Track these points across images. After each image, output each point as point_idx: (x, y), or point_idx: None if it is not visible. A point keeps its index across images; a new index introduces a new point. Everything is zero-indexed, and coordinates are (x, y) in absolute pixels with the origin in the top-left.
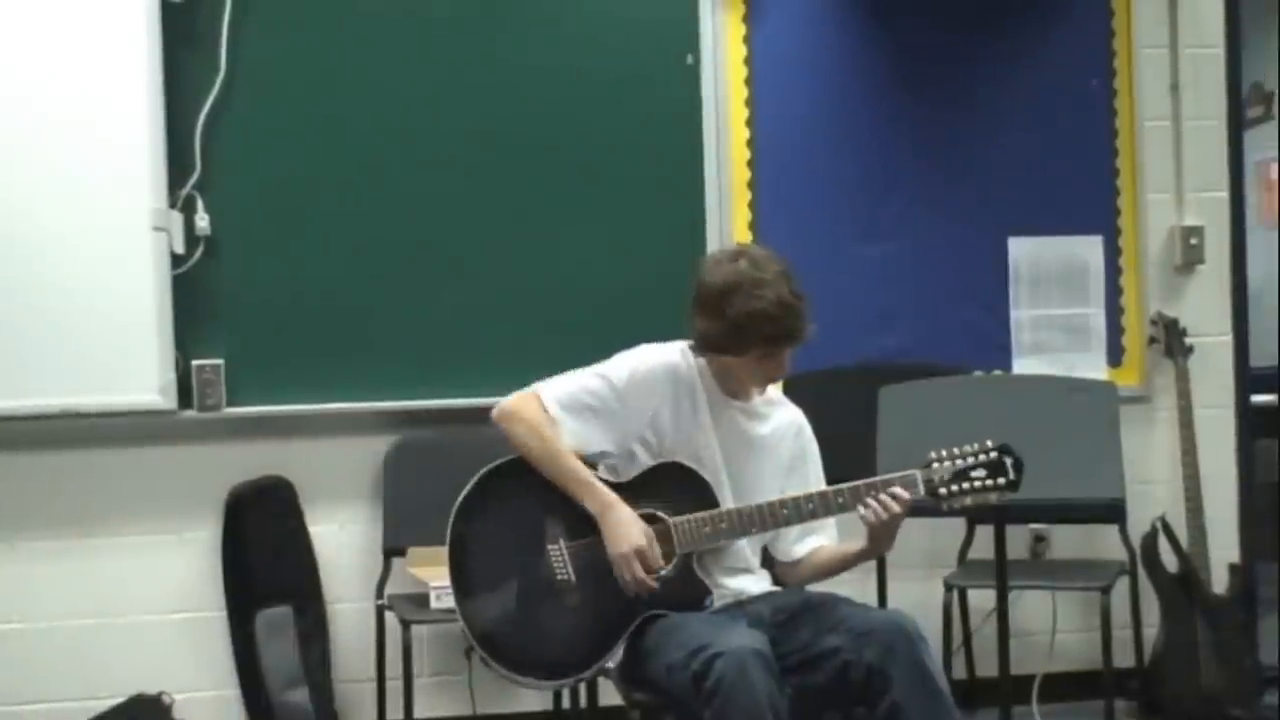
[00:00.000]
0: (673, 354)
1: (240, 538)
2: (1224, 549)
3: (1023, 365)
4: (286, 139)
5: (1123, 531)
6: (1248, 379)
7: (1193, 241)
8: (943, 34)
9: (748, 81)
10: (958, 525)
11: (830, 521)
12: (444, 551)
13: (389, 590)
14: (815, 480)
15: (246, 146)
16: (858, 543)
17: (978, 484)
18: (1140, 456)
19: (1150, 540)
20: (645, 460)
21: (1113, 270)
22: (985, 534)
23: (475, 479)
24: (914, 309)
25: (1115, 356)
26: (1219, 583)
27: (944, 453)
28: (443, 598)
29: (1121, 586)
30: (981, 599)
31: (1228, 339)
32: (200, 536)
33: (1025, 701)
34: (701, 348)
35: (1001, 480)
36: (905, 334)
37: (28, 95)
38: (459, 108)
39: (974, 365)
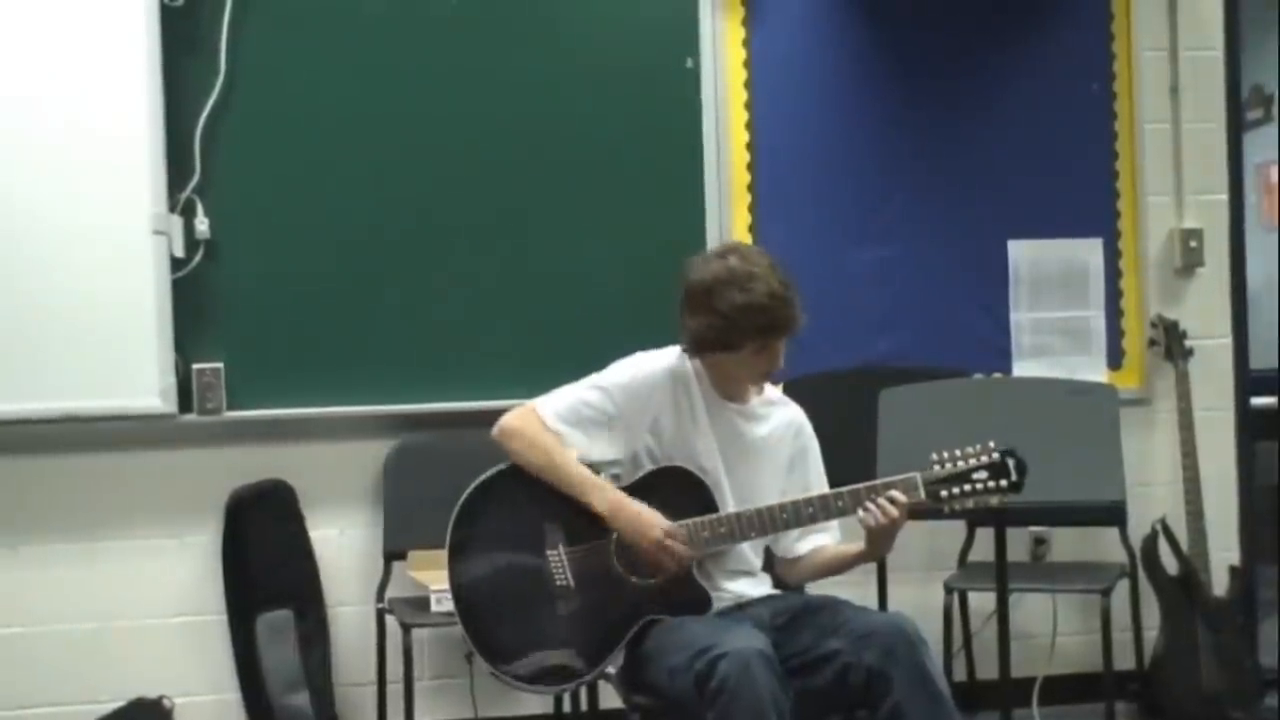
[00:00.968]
0: (668, 360)
1: (241, 541)
2: (1224, 551)
3: (1023, 368)
4: (286, 142)
5: (1123, 534)
6: (1247, 381)
7: (1192, 244)
8: (942, 37)
9: (747, 85)
10: (958, 528)
11: (833, 521)
12: (444, 555)
13: (389, 594)
14: (816, 478)
15: (246, 150)
16: (858, 544)
17: (979, 486)
18: (1140, 459)
19: (1150, 542)
20: (648, 466)
21: (1113, 273)
22: (985, 536)
23: (473, 485)
24: (914, 312)
25: (1115, 359)
26: (1219, 585)
27: (945, 455)
28: (443, 601)
29: (1122, 589)
30: (982, 601)
31: (1227, 341)
32: (201, 540)
33: (1026, 704)
34: (694, 348)
35: (1004, 482)
36: (905, 337)
37: (28, 99)
38: (459, 111)
39: (974, 368)
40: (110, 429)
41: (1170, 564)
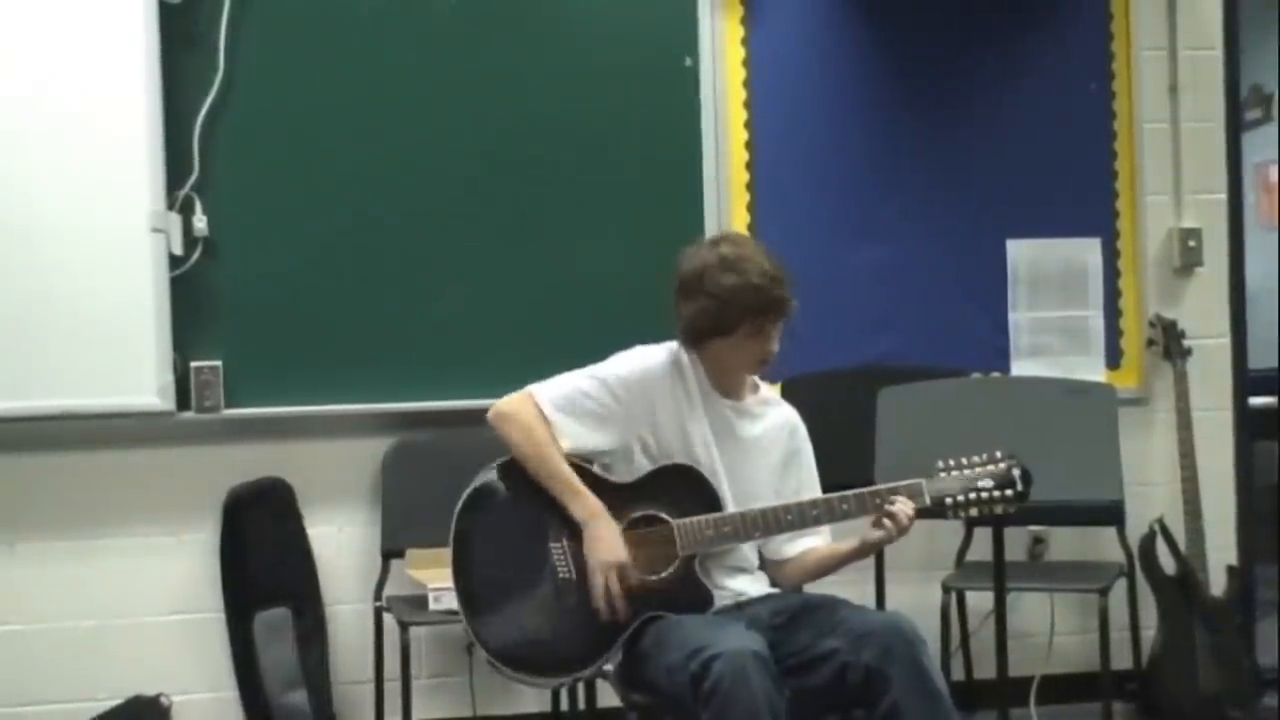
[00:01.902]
0: (666, 354)
1: (239, 539)
2: (1222, 551)
3: (1021, 367)
4: (284, 140)
5: (1121, 533)
6: (1246, 381)
7: (1191, 244)
8: (941, 36)
9: (746, 83)
10: (956, 527)
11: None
12: (442, 553)
13: (387, 592)
14: (808, 479)
15: (245, 148)
16: (849, 542)
17: (984, 494)
18: (1138, 459)
19: (1148, 542)
20: (642, 460)
21: (1111, 272)
22: (983, 536)
23: (479, 476)
24: (912, 311)
25: (1114, 359)
26: (1217, 585)
27: (951, 462)
28: (441, 599)
29: (1119, 588)
30: (980, 601)
31: (1226, 341)
32: (199, 538)
33: (1023, 703)
34: (688, 337)
35: (1009, 491)
36: (903, 336)
37: (26, 97)
38: (457, 109)
39: (972, 367)
40: (108, 427)
41: (1168, 564)
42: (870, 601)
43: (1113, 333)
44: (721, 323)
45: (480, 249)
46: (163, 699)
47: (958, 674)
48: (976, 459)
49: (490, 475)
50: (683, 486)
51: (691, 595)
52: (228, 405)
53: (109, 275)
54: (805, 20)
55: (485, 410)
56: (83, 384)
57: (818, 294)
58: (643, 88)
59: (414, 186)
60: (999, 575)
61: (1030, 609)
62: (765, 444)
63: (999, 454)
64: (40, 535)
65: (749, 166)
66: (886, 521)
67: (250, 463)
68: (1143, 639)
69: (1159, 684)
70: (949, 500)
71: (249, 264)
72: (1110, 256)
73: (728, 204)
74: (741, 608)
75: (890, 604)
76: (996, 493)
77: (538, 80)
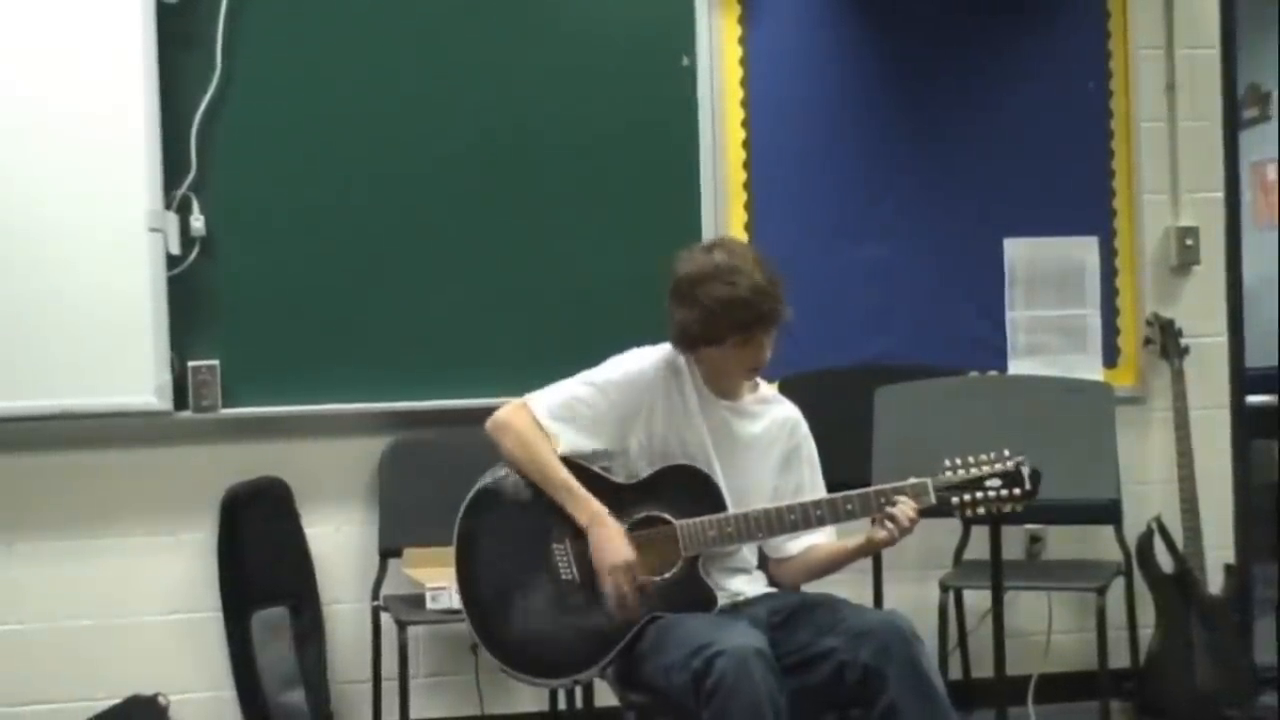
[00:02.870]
0: (661, 355)
1: (236, 539)
2: (1219, 549)
3: (1018, 366)
4: (282, 139)
5: (1118, 532)
6: (1243, 379)
7: (1188, 242)
8: (939, 35)
9: (743, 83)
10: (953, 526)
11: None
12: (440, 552)
13: (385, 591)
14: (810, 479)
15: (242, 147)
16: (853, 540)
17: (992, 494)
18: (1136, 457)
19: (1146, 541)
20: (639, 461)
21: (1108, 271)
22: (981, 535)
23: (484, 478)
24: (910, 310)
25: (1111, 357)
26: (1214, 583)
27: (958, 461)
28: (438, 598)
29: (1117, 587)
30: (977, 600)
31: (1223, 340)
32: (196, 537)
33: (1021, 702)
34: (681, 342)
35: (1017, 491)
36: (901, 335)
37: (23, 96)
38: (455, 108)
39: (970, 366)
40: (106, 426)
41: (1165, 562)
42: (868, 600)
43: (1110, 331)
44: (710, 332)
45: (477, 248)
46: (160, 698)
47: (955, 673)
48: (984, 457)
49: (494, 477)
50: (686, 487)
51: (695, 595)
52: (225, 405)
53: (106, 274)
54: (802, 19)
55: (483, 409)
56: (80, 383)
57: (815, 293)
58: (640, 87)
59: (411, 186)
60: (996, 574)
61: (1028, 608)
62: (765, 443)
63: (1007, 453)
64: (38, 535)
65: (746, 166)
66: (888, 522)
67: (248, 462)
68: (1140, 638)
69: (1156, 683)
70: (955, 500)
71: (246, 263)
72: (1107, 255)
73: (725, 203)
74: (739, 608)
75: (888, 603)
76: (1004, 492)
77: (535, 79)
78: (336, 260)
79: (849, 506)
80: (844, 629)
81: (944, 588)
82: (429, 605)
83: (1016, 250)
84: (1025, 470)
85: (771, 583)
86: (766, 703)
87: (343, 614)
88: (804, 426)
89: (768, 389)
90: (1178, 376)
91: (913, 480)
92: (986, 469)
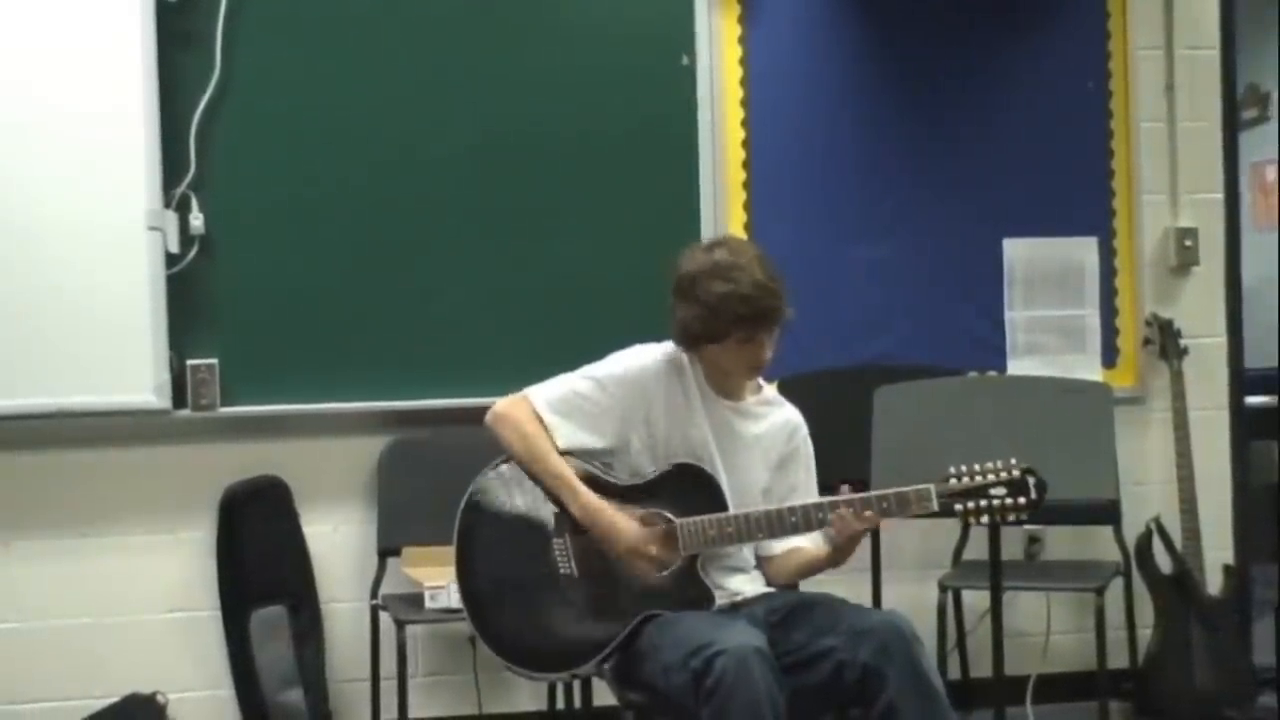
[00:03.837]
0: (664, 352)
1: (235, 537)
2: (1218, 550)
3: (1018, 366)
4: (281, 138)
5: (1117, 532)
6: (1242, 380)
7: (1187, 243)
8: (938, 35)
9: (743, 82)
10: (952, 526)
11: None
12: (439, 551)
13: (383, 590)
14: (805, 482)
15: (241, 146)
16: (826, 547)
17: (996, 502)
18: (1135, 458)
19: (1144, 541)
20: (643, 458)
21: (1108, 272)
22: (980, 535)
23: (484, 472)
24: (909, 310)
25: (1110, 358)
26: (1213, 584)
27: (963, 468)
28: (437, 598)
29: (1116, 587)
30: (976, 600)
31: (1222, 340)
32: (195, 536)
33: (1019, 702)
34: (682, 340)
35: (1022, 500)
36: (900, 335)
37: (22, 95)
38: (454, 107)
39: (969, 366)
40: (105, 425)
41: (1164, 563)
42: (867, 600)
43: (1109, 332)
44: (711, 330)
45: (476, 247)
46: (159, 697)
47: (954, 673)
48: (990, 465)
49: (494, 472)
50: (689, 486)
51: (692, 594)
52: (224, 403)
53: (105, 273)
54: (802, 19)
55: (482, 408)
56: (79, 382)
57: (814, 293)
58: (640, 87)
59: (410, 185)
60: (995, 574)
61: (1026, 608)
62: (765, 444)
63: (1013, 461)
64: (36, 533)
65: (746, 165)
66: (843, 511)
67: (246, 461)
68: (1139, 638)
69: (1155, 683)
70: (959, 506)
71: (245, 262)
72: (1107, 255)
73: (724, 203)
74: (737, 607)
75: (887, 603)
76: (1009, 500)
77: (534, 78)
78: (336, 259)
79: (850, 509)
80: (843, 628)
81: (943, 588)
82: (428, 604)
83: (1016, 250)
84: (1031, 480)
85: (768, 582)
86: (766, 702)
87: (341, 613)
88: (804, 430)
89: (770, 391)
90: (1177, 377)
91: (916, 486)
92: (991, 477)
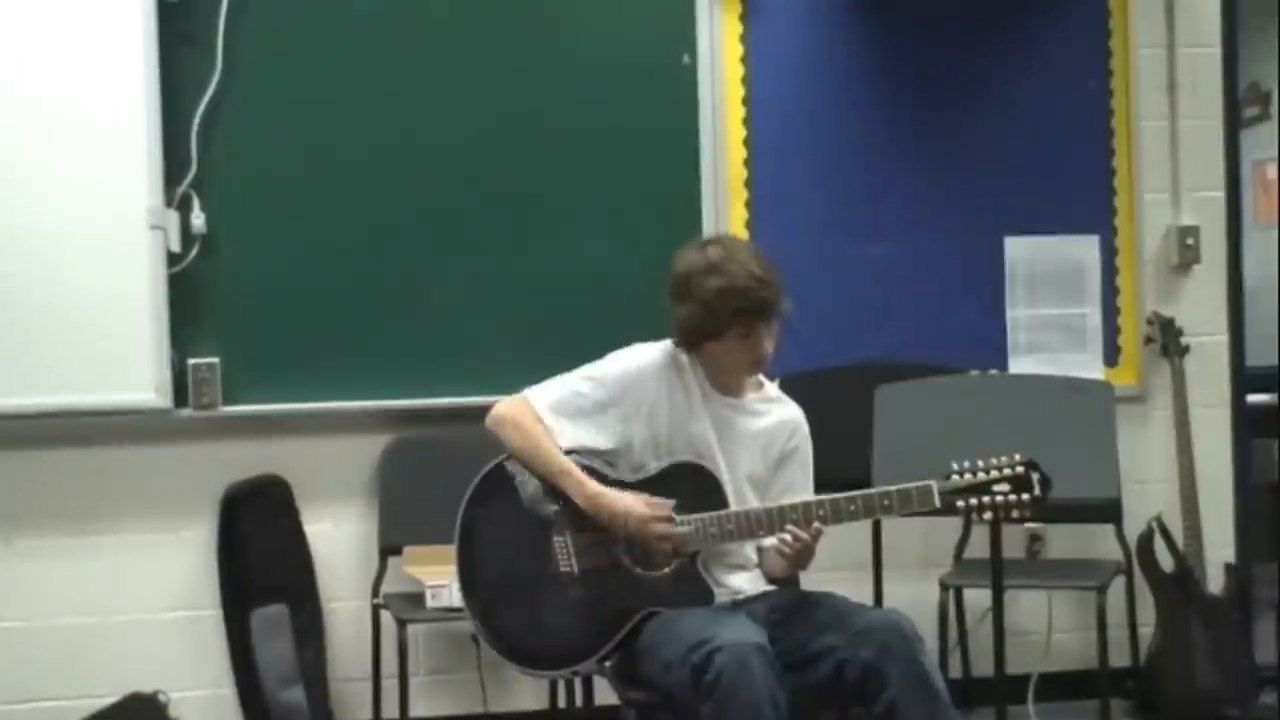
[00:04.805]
0: (664, 351)
1: (236, 536)
2: (1220, 549)
3: (1019, 365)
4: (283, 137)
5: (1119, 531)
6: (1244, 378)
7: (1189, 241)
8: (940, 34)
9: (744, 81)
10: (953, 524)
11: None
12: (440, 550)
13: (385, 589)
14: (801, 481)
15: (243, 145)
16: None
17: (999, 498)
18: (1136, 456)
19: (1146, 540)
20: (645, 456)
21: (1109, 270)
22: (981, 533)
23: (486, 468)
24: (910, 308)
25: (1111, 356)
26: (1214, 582)
27: (966, 464)
28: (438, 596)
29: (1117, 586)
30: (977, 598)
31: (1224, 339)
32: (196, 535)
33: (1021, 701)
34: (682, 338)
35: (1026, 496)
36: (902, 333)
37: (24, 94)
38: (455, 106)
39: (970, 365)
40: (106, 424)
41: (1166, 561)
42: (868, 598)
43: (1111, 330)
44: (710, 326)
45: (478, 246)
46: (160, 696)
47: (955, 671)
48: (993, 461)
49: (495, 469)
50: (690, 484)
51: (693, 591)
52: (225, 402)
53: (107, 272)
54: (804, 18)
55: (483, 407)
56: (80, 381)
57: (816, 291)
58: (641, 86)
59: (411, 184)
60: (997, 573)
61: (1028, 606)
62: (764, 441)
63: (1017, 456)
64: (38, 532)
65: (747, 164)
66: (784, 534)
67: (248, 460)
68: (1140, 636)
69: (1157, 681)
70: (961, 503)
71: (247, 261)
72: (1108, 254)
73: (726, 202)
74: (738, 605)
75: (888, 601)
76: (1013, 496)
77: (535, 78)
78: (337, 258)
79: (851, 507)
80: (844, 627)
81: (944, 586)
82: (429, 603)
83: (1017, 249)
84: (1035, 475)
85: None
86: (766, 699)
87: (342, 612)
88: (805, 429)
89: (772, 388)
90: (1178, 375)
91: (918, 483)
92: (995, 473)
